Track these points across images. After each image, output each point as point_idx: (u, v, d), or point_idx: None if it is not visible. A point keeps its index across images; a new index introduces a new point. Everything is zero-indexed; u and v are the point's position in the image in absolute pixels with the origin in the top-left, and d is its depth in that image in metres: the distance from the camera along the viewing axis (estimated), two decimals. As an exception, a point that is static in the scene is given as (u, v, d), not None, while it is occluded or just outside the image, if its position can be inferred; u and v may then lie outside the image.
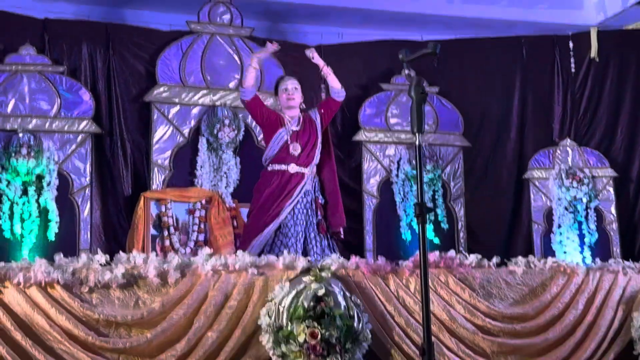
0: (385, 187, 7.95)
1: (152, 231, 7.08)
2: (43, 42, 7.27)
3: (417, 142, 3.60)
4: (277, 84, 6.03)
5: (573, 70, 8.59)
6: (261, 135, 7.62)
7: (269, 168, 5.80)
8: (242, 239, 5.96)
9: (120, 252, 4.40)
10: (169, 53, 7.55)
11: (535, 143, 8.44)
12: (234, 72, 7.70)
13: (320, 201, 5.82)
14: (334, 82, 5.90)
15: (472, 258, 4.86)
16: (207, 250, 4.51)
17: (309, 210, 5.73)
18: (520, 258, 5.01)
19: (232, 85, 7.64)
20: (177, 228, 7.15)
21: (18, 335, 3.96)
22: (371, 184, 7.94)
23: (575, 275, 5.02)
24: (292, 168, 5.71)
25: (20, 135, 6.88)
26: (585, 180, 8.00)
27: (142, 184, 7.38)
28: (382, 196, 7.93)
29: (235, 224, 7.15)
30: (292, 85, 5.93)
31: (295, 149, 5.74)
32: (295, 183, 5.68)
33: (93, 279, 4.16)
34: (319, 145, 5.85)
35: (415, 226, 7.73)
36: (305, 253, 5.59)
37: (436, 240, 7.80)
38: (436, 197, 7.93)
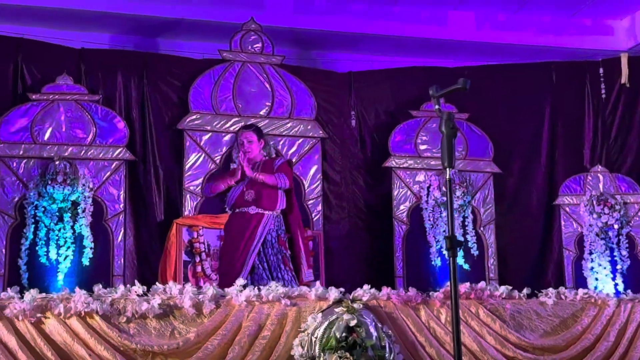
0: (415, 213, 7.99)
1: (184, 257, 7.18)
2: (79, 71, 7.45)
3: (447, 177, 3.63)
4: (237, 133, 6.14)
5: (604, 96, 8.57)
6: (293, 161, 7.74)
7: (232, 211, 5.95)
8: (219, 282, 5.90)
9: (157, 283, 4.48)
10: (201, 81, 7.68)
11: (565, 169, 8.43)
12: (265, 100, 7.81)
13: (283, 238, 5.90)
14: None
15: (503, 289, 4.87)
16: (241, 281, 4.58)
17: (272, 249, 5.83)
18: (551, 289, 5.01)
19: (263, 112, 7.75)
20: (208, 254, 7.24)
21: (58, 365, 4.06)
22: (401, 210, 7.98)
23: (607, 306, 5.01)
24: (252, 209, 5.83)
25: (57, 162, 7.05)
26: (617, 207, 7.97)
27: (174, 210, 7.50)
28: (411, 222, 7.96)
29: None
30: (246, 139, 5.97)
31: (250, 195, 5.84)
32: (255, 222, 5.80)
33: (130, 310, 4.24)
34: (279, 191, 5.91)
35: (445, 252, 7.75)
36: None
37: (466, 266, 7.83)
38: (466, 223, 7.95)
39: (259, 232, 5.79)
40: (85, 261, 7.00)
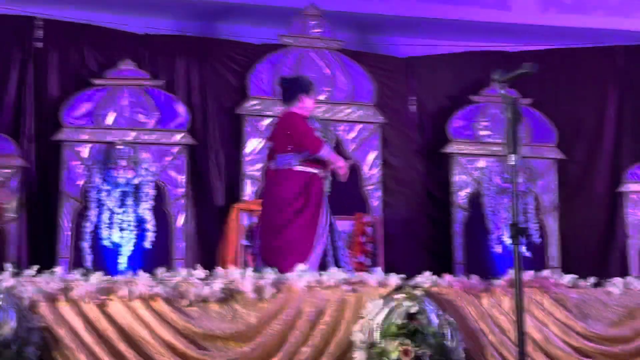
0: (475, 199, 7.89)
1: (244, 241, 7.21)
2: (142, 57, 7.52)
3: (512, 163, 3.58)
4: (311, 86, 5.61)
5: (672, 80, 8.32)
6: (352, 146, 7.69)
7: (300, 168, 5.50)
8: (298, 250, 5.37)
9: (218, 267, 4.51)
10: (260, 66, 7.70)
11: (631, 155, 8.22)
12: (324, 85, 7.79)
13: None
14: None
15: (568, 278, 4.77)
16: (301, 266, 4.58)
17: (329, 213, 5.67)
18: (618, 279, 4.90)
19: (322, 97, 7.71)
20: (267, 238, 7.24)
21: (122, 346, 4.09)
22: (461, 196, 7.89)
23: (676, 297, 4.88)
24: (321, 173, 5.58)
25: (120, 147, 7.14)
26: (685, 195, 7.75)
27: (234, 194, 7.54)
28: (471, 209, 7.87)
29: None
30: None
31: None
32: (323, 187, 5.62)
33: (193, 293, 4.28)
34: None
35: (505, 240, 7.65)
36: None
37: (527, 254, 7.70)
38: (528, 210, 7.82)
39: (324, 198, 5.57)
40: (147, 244, 7.10)
